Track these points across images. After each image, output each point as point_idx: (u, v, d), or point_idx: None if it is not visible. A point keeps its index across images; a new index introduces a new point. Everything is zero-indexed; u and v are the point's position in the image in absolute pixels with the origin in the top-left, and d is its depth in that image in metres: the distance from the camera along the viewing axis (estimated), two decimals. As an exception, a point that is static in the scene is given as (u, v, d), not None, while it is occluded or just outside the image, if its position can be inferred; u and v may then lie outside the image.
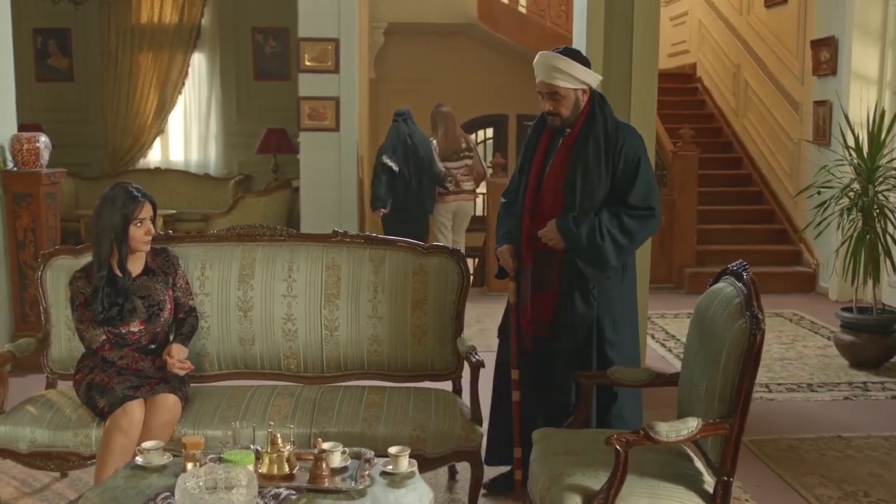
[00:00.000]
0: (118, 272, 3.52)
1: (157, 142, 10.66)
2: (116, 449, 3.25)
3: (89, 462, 3.43)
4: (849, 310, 6.01)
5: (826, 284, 8.20)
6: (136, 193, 3.51)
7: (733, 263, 3.14)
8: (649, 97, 5.60)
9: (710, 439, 2.89)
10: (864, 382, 5.62)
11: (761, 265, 8.77)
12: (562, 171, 3.53)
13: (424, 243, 3.99)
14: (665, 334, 6.79)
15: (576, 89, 3.45)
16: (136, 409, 3.30)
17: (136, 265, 3.58)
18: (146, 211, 3.52)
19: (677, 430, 2.77)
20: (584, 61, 3.51)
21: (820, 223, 5.95)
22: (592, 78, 3.50)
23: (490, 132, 12.76)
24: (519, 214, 3.66)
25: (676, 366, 5.63)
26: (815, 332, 6.84)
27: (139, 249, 3.55)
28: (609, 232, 3.45)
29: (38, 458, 3.44)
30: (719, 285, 3.17)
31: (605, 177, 3.47)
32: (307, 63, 7.66)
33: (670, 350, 6.34)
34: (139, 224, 3.49)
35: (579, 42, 5.75)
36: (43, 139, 5.62)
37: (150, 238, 3.56)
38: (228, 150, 10.69)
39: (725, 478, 2.83)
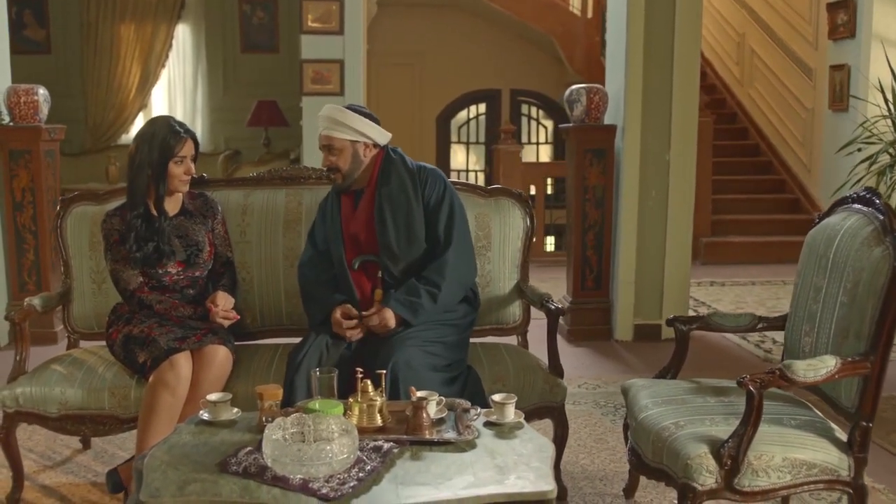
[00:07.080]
0: (154, 212, 3.16)
1: (140, 117, 10.19)
2: (163, 409, 2.87)
3: (126, 426, 3.05)
4: (890, 270, 5.76)
5: (843, 252, 7.96)
6: (178, 129, 3.17)
7: (857, 191, 2.85)
8: (692, 64, 5.36)
9: (843, 382, 2.60)
10: (915, 344, 5.39)
11: (776, 234, 8.58)
12: (369, 219, 3.19)
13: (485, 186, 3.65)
14: (694, 301, 6.51)
15: (354, 141, 3.13)
16: (182, 362, 2.93)
17: (172, 206, 3.25)
18: (188, 148, 3.18)
19: (815, 369, 2.48)
20: (369, 116, 3.20)
21: (859, 181, 5.71)
22: (378, 133, 3.18)
23: (483, 107, 12.40)
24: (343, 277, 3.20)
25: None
26: (846, 298, 6.58)
27: (177, 189, 3.21)
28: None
29: (69, 422, 3.04)
30: (836, 217, 2.89)
31: (416, 206, 3.16)
32: (310, 24, 7.24)
33: (704, 316, 6.06)
34: (179, 162, 3.15)
35: (618, 10, 5.43)
36: (42, 91, 5.17)
37: (189, 178, 3.23)
38: (215, 125, 10.28)
39: (864, 423, 2.55)
